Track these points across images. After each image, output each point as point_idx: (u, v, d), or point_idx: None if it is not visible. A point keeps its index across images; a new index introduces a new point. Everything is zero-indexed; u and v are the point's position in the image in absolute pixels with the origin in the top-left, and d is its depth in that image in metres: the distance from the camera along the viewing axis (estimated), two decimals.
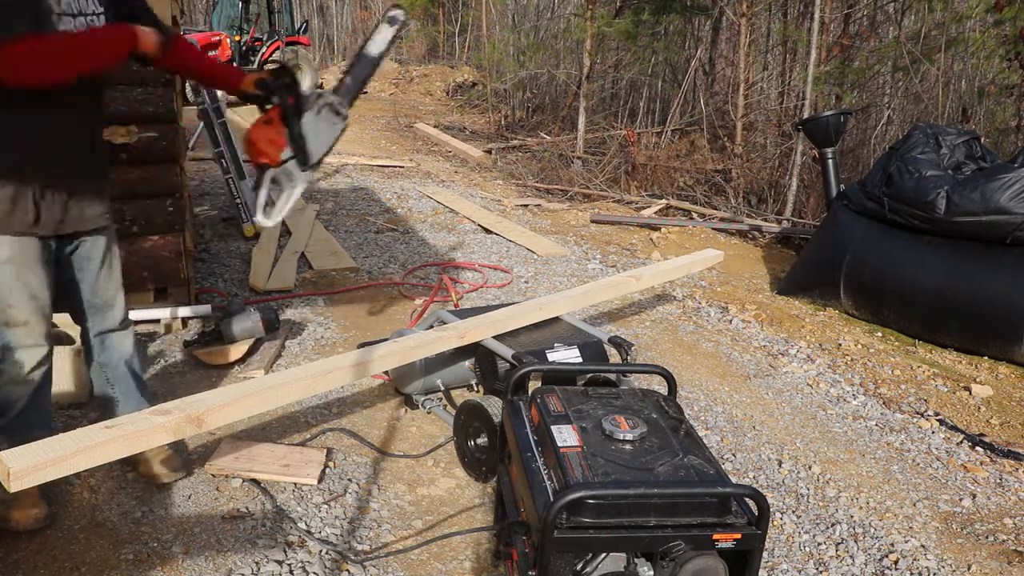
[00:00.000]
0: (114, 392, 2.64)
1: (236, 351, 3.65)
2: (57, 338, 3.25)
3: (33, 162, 2.21)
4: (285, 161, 2.45)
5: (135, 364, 2.68)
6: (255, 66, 14.06)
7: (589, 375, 2.94)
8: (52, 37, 2.09)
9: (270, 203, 2.53)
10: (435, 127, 12.56)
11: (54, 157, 2.24)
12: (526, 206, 7.55)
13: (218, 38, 13.81)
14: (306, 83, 2.44)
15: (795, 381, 3.95)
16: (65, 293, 2.51)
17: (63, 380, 3.12)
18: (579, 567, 1.76)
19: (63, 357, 3.11)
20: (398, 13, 2.78)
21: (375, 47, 2.71)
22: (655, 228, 6.74)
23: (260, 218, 2.52)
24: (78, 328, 2.63)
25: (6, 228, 2.19)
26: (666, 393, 2.28)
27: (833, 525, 2.76)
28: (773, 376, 4.00)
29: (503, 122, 12.79)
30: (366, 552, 2.44)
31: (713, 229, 6.73)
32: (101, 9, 2.26)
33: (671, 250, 6.08)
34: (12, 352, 2.28)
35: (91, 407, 3.10)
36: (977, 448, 3.36)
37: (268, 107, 2.46)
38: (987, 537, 2.76)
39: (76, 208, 2.32)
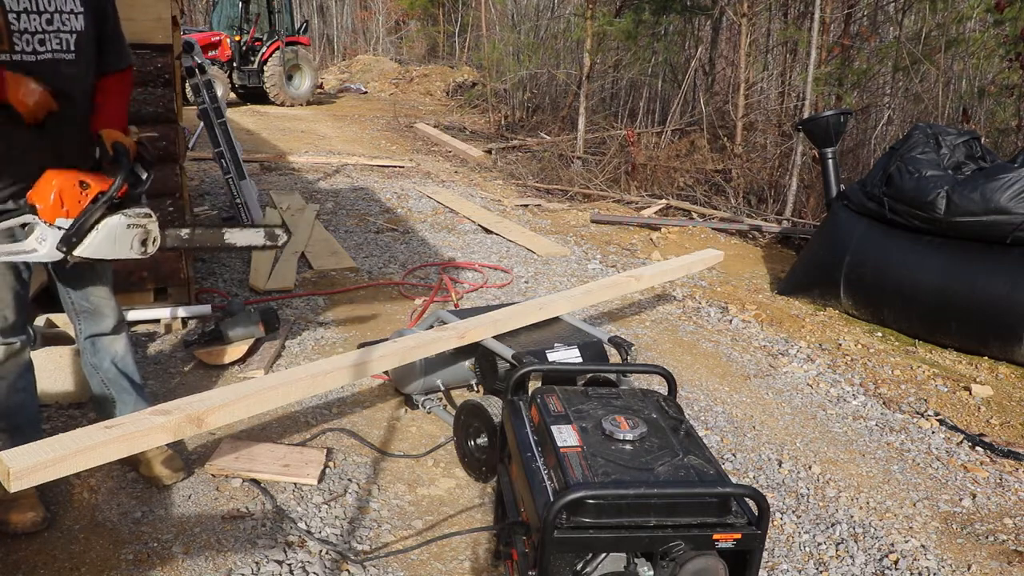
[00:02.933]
0: (110, 393, 2.65)
1: (236, 351, 3.65)
2: (56, 338, 3.26)
3: (14, 171, 2.22)
4: (59, 228, 2.17)
5: (128, 366, 2.68)
6: (255, 66, 14.06)
7: (589, 375, 2.94)
8: None
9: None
10: (435, 127, 12.57)
11: (36, 167, 2.22)
12: (526, 206, 7.55)
13: (218, 38, 13.81)
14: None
15: (795, 381, 3.95)
16: (58, 295, 2.53)
17: (63, 380, 3.12)
18: (579, 567, 1.76)
19: (63, 357, 3.11)
20: (281, 234, 2.78)
21: (238, 238, 2.66)
22: (655, 228, 6.74)
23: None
24: None
25: None
26: (666, 393, 2.28)
27: (833, 525, 2.76)
28: (773, 376, 4.00)
29: (503, 122, 12.79)
30: (366, 552, 2.44)
31: (713, 229, 6.73)
32: (81, 9, 2.28)
33: (671, 250, 6.08)
34: None
35: (91, 407, 3.10)
36: (977, 448, 3.36)
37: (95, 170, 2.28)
38: (987, 537, 2.76)
39: None
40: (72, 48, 2.27)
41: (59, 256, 2.20)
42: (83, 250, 2.21)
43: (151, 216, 2.33)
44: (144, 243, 2.32)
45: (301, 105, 14.68)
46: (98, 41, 2.38)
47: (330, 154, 9.80)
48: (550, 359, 3.11)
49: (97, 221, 2.21)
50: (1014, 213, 4.15)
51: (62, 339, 3.25)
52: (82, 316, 2.56)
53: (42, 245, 2.17)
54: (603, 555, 1.75)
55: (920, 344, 4.49)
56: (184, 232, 2.53)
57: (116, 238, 2.25)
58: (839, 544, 2.66)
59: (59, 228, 2.17)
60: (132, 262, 2.46)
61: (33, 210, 2.15)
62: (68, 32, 2.26)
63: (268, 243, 2.80)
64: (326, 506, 2.65)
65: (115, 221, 2.23)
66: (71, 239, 2.18)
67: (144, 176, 2.34)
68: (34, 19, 2.17)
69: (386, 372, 3.45)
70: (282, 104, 14.39)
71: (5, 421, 2.38)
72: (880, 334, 4.63)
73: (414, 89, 18.56)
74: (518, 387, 2.29)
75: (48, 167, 2.19)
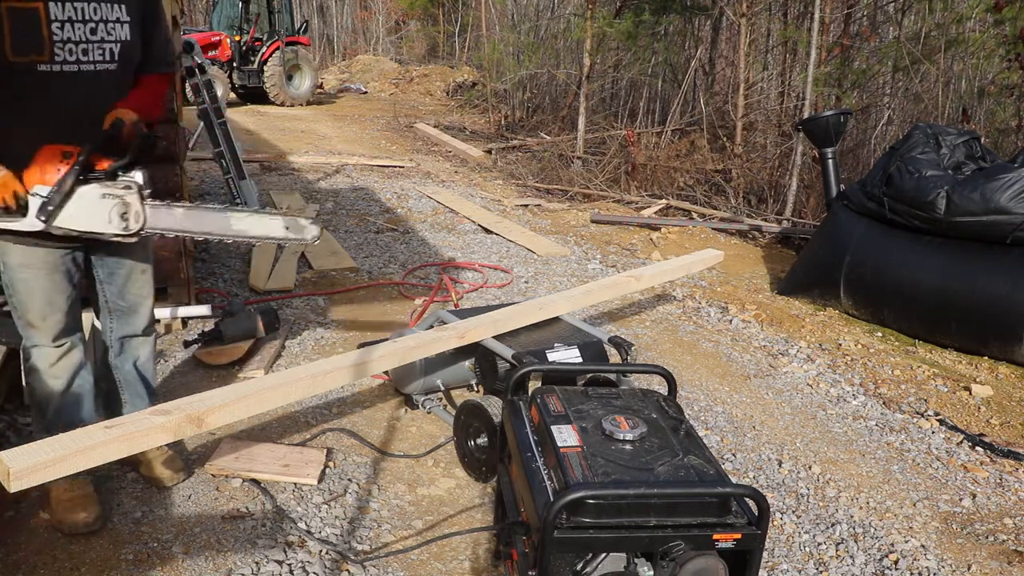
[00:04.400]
0: (124, 394, 2.66)
1: (236, 351, 3.65)
2: None
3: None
4: (38, 195, 2.16)
5: (148, 372, 2.70)
6: (255, 66, 14.06)
7: (589, 375, 2.94)
8: None
9: None
10: (435, 127, 12.57)
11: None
12: (526, 206, 7.55)
13: (218, 38, 13.80)
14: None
15: (795, 381, 3.95)
16: (93, 292, 2.54)
17: None
18: (579, 567, 1.76)
19: None
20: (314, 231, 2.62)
21: (256, 227, 2.53)
22: (655, 228, 6.74)
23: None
24: (90, 327, 2.64)
25: (20, 237, 2.21)
26: (666, 393, 2.28)
27: (833, 525, 2.76)
28: (773, 376, 4.00)
29: (503, 122, 12.79)
30: (366, 552, 2.44)
31: (713, 229, 6.73)
32: (127, 18, 2.24)
33: (671, 250, 6.08)
34: (34, 350, 2.37)
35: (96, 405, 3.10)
36: (977, 448, 3.36)
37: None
38: (987, 537, 2.76)
39: None
40: (116, 58, 2.23)
41: (40, 225, 2.17)
42: (62, 220, 2.19)
43: (131, 188, 2.24)
44: (124, 217, 2.25)
45: (301, 105, 14.67)
46: (144, 46, 2.34)
47: (330, 154, 9.80)
48: (550, 359, 3.11)
49: (72, 189, 2.18)
50: (1014, 213, 4.15)
51: None
52: (115, 315, 2.56)
53: (27, 214, 2.16)
54: (603, 555, 1.75)
55: (920, 344, 4.49)
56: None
57: (90, 208, 2.20)
58: (839, 544, 2.66)
59: (38, 195, 2.16)
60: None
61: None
62: (113, 42, 2.21)
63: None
64: (326, 506, 2.65)
65: (87, 189, 2.20)
66: (47, 207, 2.16)
67: (129, 154, 2.25)
68: (78, 28, 2.13)
69: (386, 372, 3.45)
70: (282, 104, 14.39)
71: (61, 418, 2.39)
72: (880, 334, 4.63)
73: (414, 89, 18.55)
74: (518, 387, 2.29)
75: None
